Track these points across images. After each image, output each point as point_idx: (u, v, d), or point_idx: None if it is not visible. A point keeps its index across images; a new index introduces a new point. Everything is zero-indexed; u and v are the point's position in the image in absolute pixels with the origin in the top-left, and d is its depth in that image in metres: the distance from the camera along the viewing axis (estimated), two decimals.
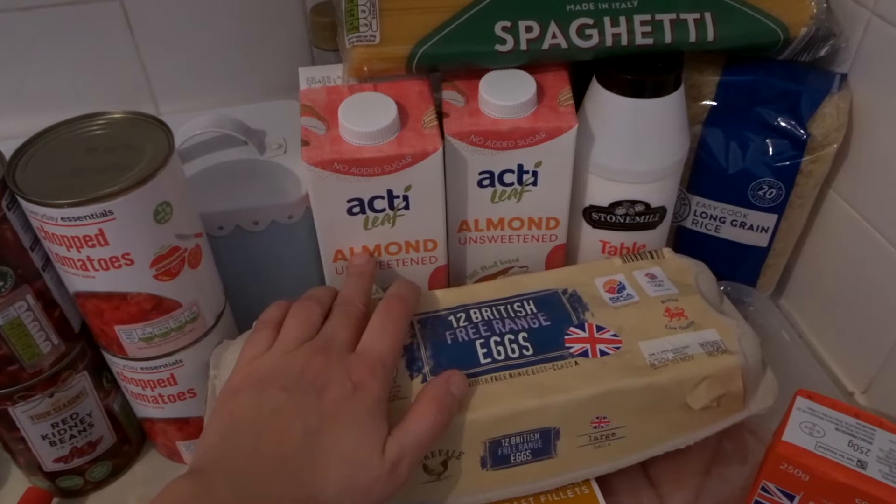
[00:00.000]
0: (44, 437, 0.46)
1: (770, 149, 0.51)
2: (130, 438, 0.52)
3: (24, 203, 0.38)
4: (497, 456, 0.42)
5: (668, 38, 0.46)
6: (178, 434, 0.50)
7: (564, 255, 0.53)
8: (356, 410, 0.37)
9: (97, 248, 0.38)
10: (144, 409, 0.49)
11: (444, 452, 0.41)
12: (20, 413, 0.45)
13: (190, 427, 0.49)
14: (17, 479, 0.51)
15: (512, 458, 0.42)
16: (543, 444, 0.42)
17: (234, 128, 0.52)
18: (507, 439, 0.41)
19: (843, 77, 0.50)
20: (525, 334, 0.43)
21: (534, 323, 0.44)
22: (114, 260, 0.39)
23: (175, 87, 0.62)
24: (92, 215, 0.37)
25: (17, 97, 0.58)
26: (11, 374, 0.43)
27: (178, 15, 0.58)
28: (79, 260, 0.39)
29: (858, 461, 0.37)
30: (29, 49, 0.57)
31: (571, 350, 0.43)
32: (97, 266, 0.39)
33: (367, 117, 0.44)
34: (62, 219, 0.37)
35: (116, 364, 0.46)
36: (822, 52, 0.50)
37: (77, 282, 0.41)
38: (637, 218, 0.51)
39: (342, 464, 0.36)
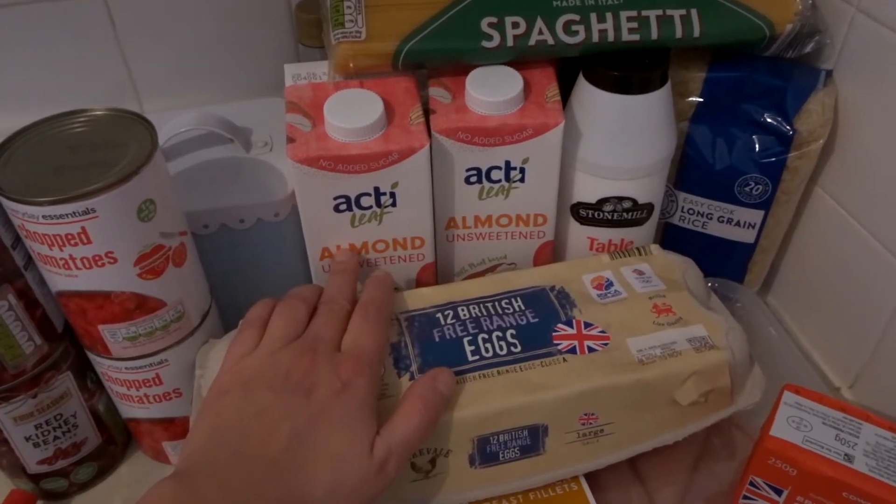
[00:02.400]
0: (27, 439, 0.46)
1: (756, 145, 0.51)
2: (116, 439, 0.51)
3: (4, 201, 0.38)
4: (485, 453, 0.41)
5: (654, 35, 0.46)
6: (163, 434, 0.49)
7: (552, 252, 0.53)
8: (344, 410, 0.37)
9: (80, 246, 0.38)
10: (130, 410, 0.48)
11: (432, 450, 0.41)
12: (2, 414, 0.44)
13: (176, 427, 0.49)
14: None
15: (500, 455, 0.42)
16: (532, 441, 0.42)
17: (219, 125, 0.52)
18: (496, 437, 0.41)
19: (829, 73, 0.50)
20: (513, 331, 0.43)
21: (522, 320, 0.44)
22: (97, 258, 0.39)
23: (159, 85, 0.61)
24: (74, 213, 0.37)
25: None
26: None
27: (162, 11, 0.58)
28: (61, 258, 0.39)
29: (845, 455, 0.37)
30: (10, 45, 0.56)
31: (559, 347, 0.43)
32: (80, 265, 0.39)
33: (353, 114, 0.44)
34: (44, 217, 0.37)
35: (101, 364, 0.45)
36: (808, 49, 0.50)
37: (59, 281, 0.40)
38: (625, 214, 0.51)
39: (330, 464, 0.36)
